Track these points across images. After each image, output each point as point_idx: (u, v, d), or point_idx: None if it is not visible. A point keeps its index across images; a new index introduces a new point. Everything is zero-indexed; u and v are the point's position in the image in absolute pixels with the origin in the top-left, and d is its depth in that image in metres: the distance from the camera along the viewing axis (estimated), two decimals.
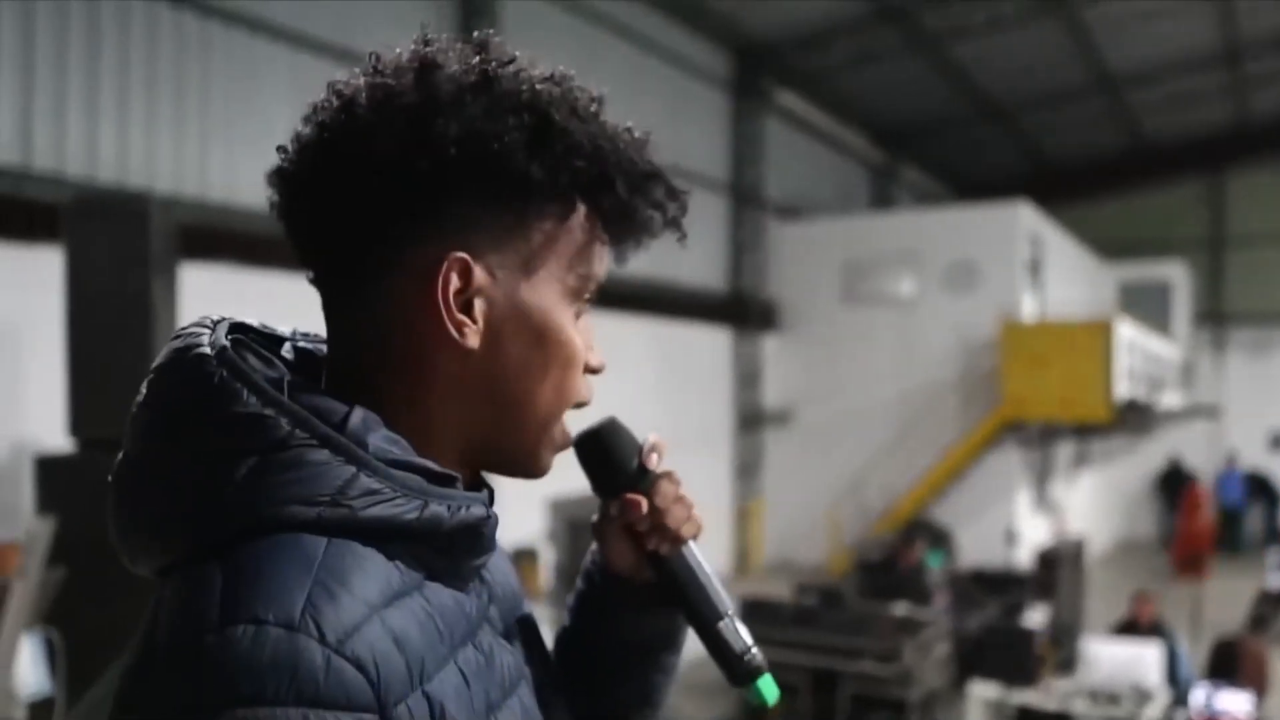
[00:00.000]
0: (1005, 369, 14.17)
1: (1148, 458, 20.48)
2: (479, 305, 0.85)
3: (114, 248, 4.72)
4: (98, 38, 7.66)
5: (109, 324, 4.73)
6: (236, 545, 0.75)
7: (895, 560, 10.63)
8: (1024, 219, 15.09)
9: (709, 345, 15.26)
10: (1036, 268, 15.65)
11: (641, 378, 13.58)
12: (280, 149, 0.88)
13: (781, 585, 12.42)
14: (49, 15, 7.37)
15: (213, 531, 0.77)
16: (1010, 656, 8.21)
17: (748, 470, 15.94)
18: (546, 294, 0.89)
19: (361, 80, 0.88)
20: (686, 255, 14.41)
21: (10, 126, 7.19)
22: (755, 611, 8.96)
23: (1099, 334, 14.00)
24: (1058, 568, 11.09)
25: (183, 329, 0.86)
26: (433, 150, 0.81)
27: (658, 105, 13.75)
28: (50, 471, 4.90)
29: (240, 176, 8.58)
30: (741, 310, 15.68)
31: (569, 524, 5.87)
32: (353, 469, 0.79)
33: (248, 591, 0.72)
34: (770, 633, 8.57)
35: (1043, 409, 14.16)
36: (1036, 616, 9.37)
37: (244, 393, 0.79)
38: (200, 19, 8.31)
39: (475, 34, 0.89)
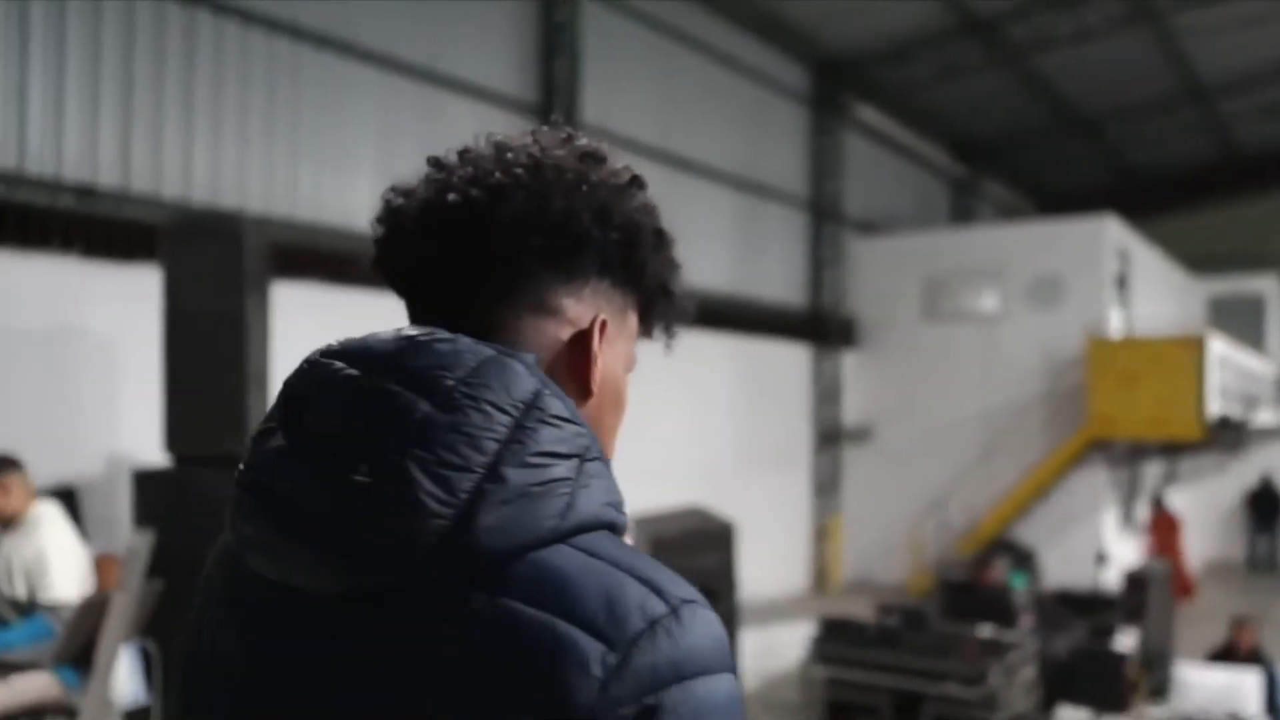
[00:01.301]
0: (1092, 386, 13.88)
1: (1238, 476, 19.90)
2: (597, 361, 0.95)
3: (210, 267, 4.84)
4: (193, 62, 7.87)
5: (204, 342, 4.84)
6: (568, 545, 0.79)
7: (978, 580, 10.44)
8: (1111, 233, 14.79)
9: (788, 362, 15.17)
10: (1123, 282, 15.32)
11: (722, 394, 13.56)
12: (450, 187, 0.93)
13: (860, 604, 12.28)
14: (147, 41, 7.58)
15: (547, 534, 0.78)
16: (1101, 681, 8.02)
17: (827, 487, 15.80)
18: (622, 366, 1.00)
19: (537, 148, 0.96)
20: (767, 272, 14.39)
21: (112, 149, 7.40)
22: (837, 631, 8.86)
23: (1190, 350, 13.65)
24: (1147, 590, 10.82)
25: (427, 333, 0.87)
26: (604, 226, 0.93)
27: (738, 121, 13.77)
28: (147, 486, 5.02)
29: (327, 196, 8.74)
30: (821, 326, 15.57)
31: (654, 541, 5.85)
32: (613, 477, 0.88)
33: (661, 578, 0.81)
34: (852, 653, 8.49)
35: (1131, 427, 13.84)
36: (1126, 640, 9.13)
37: (559, 402, 0.84)
38: (293, 42, 8.50)
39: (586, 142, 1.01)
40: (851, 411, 16.26)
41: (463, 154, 0.97)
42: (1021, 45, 14.76)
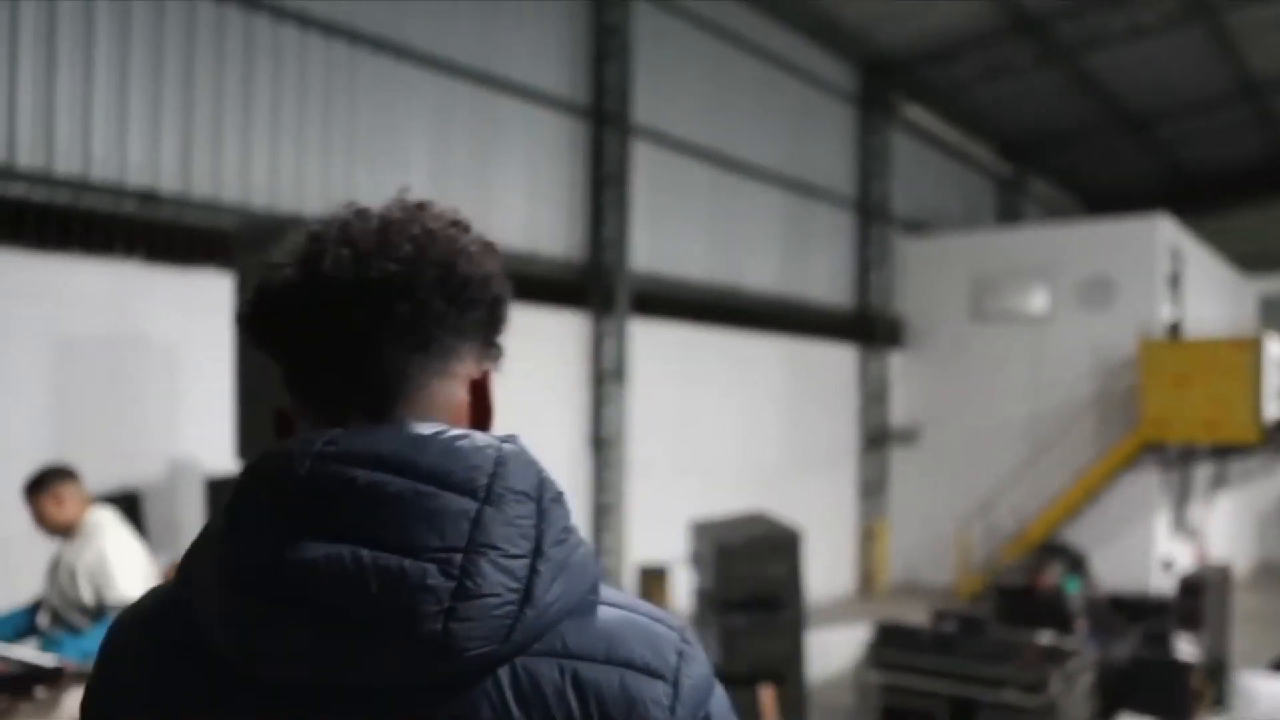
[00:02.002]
0: (1145, 388, 13.69)
1: None
2: None
3: None
4: (252, 66, 7.90)
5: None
6: (595, 608, 0.91)
7: (1033, 585, 10.31)
8: (1164, 232, 14.59)
9: (836, 363, 15.09)
10: (1175, 282, 15.11)
11: (770, 395, 13.51)
12: (363, 260, 0.94)
13: (907, 607, 12.19)
14: (208, 46, 7.63)
15: (582, 598, 0.90)
16: (1165, 691, 7.90)
17: (873, 489, 15.69)
18: None
19: (418, 220, 0.98)
20: (815, 272, 14.31)
21: (173, 154, 7.45)
22: (892, 637, 8.77)
23: (1246, 351, 13.44)
24: (1203, 595, 10.67)
25: (454, 432, 0.92)
26: (487, 288, 1.00)
27: (786, 121, 13.70)
28: (220, 494, 5.01)
29: (385, 198, 8.74)
30: (868, 327, 15.47)
31: (717, 547, 5.80)
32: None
33: (655, 610, 0.95)
34: (908, 659, 8.40)
35: (1185, 430, 13.65)
36: (1188, 648, 9.00)
37: (551, 479, 0.94)
38: (350, 46, 8.53)
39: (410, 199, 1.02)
40: (898, 413, 16.14)
41: (344, 227, 0.97)
42: (1072, 44, 14.57)
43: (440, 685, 0.83)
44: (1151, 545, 14.15)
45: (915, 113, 16.38)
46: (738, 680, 5.53)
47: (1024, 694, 8.01)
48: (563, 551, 0.87)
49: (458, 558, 0.82)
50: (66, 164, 6.86)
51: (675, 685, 0.88)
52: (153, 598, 1.00)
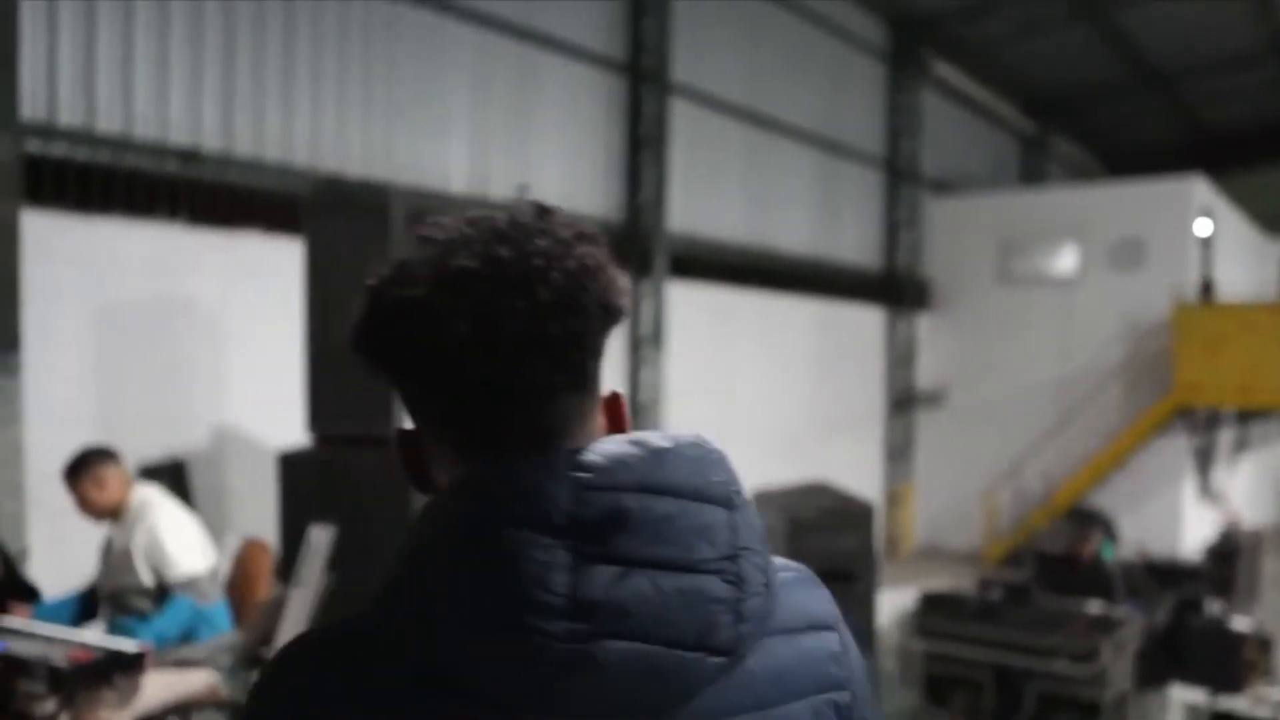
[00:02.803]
0: (1178, 353, 13.53)
1: None
2: None
3: (356, 239, 4.65)
4: (294, 21, 7.67)
5: (350, 319, 4.65)
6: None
7: (1074, 552, 10.20)
8: (1199, 193, 14.37)
9: (863, 325, 14.94)
10: (1208, 244, 14.90)
11: (801, 357, 13.38)
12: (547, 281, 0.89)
13: (932, 571, 12.12)
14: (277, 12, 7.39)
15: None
16: (1218, 660, 7.81)
17: (899, 453, 15.59)
18: None
19: (596, 251, 0.95)
20: (844, 233, 14.12)
21: (215, 112, 7.25)
22: (936, 605, 8.69)
23: None
24: (1235, 560, 10.59)
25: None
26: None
27: (818, 78, 13.48)
28: (291, 468, 4.87)
29: (426, 159, 8.56)
30: (896, 289, 15.29)
31: (789, 519, 5.66)
32: None
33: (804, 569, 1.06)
34: (953, 627, 8.32)
35: (1218, 395, 13.53)
36: (1241, 618, 8.92)
37: None
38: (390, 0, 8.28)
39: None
40: (924, 376, 16.00)
41: (500, 262, 0.89)
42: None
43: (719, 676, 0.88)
44: (1180, 510, 14.06)
45: (942, 69, 16.11)
46: None
47: (1074, 664, 7.94)
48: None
49: (730, 565, 0.87)
50: (107, 122, 6.65)
51: (838, 630, 1.01)
52: (344, 636, 0.90)
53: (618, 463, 0.87)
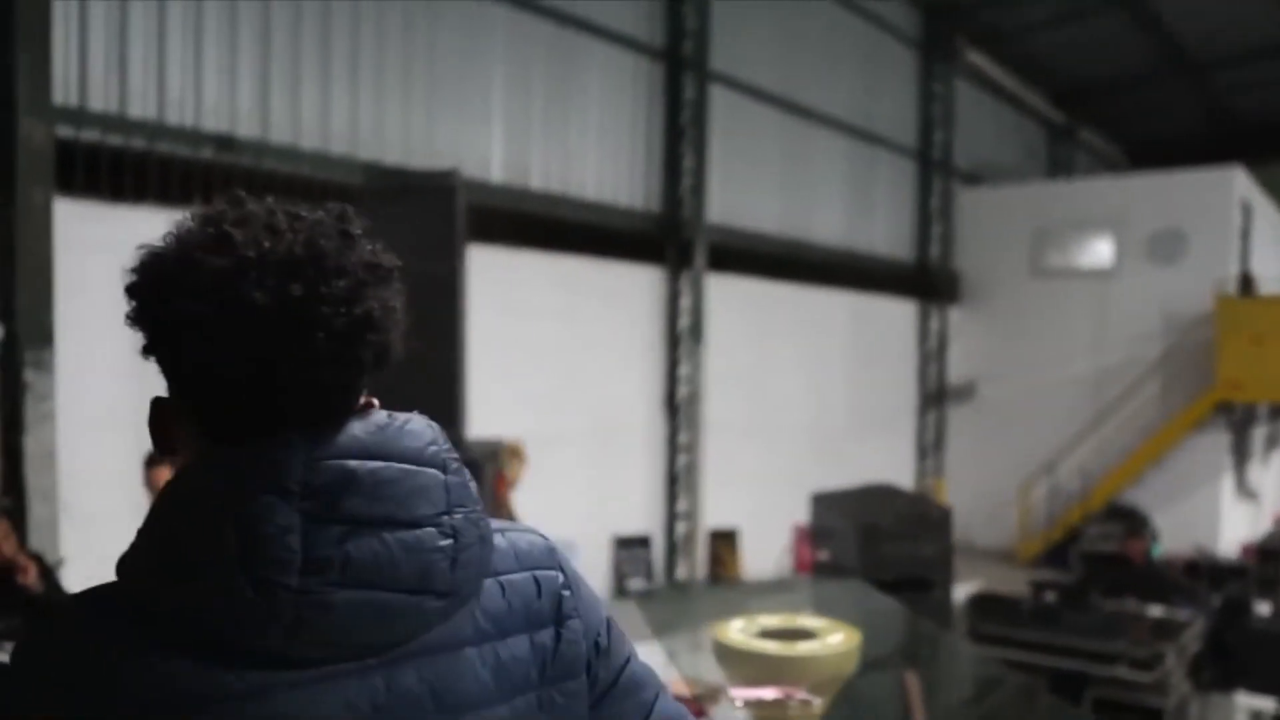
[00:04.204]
0: (1221, 347, 13.22)
1: None
2: None
3: (417, 228, 4.35)
4: (330, 5, 7.38)
5: (416, 309, 4.37)
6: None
7: (1129, 553, 9.91)
8: (1239, 185, 14.05)
9: (895, 318, 14.64)
10: (1246, 236, 14.59)
11: (833, 352, 13.10)
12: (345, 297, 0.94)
13: (965, 570, 11.80)
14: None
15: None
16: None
17: (930, 448, 15.29)
18: None
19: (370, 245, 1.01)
20: (876, 224, 13.85)
21: (250, 98, 6.99)
22: (987, 607, 8.41)
23: None
24: None
25: None
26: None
27: (852, 67, 13.21)
28: None
29: (463, 146, 8.29)
30: (928, 281, 14.98)
31: (861, 525, 5.35)
32: None
33: (538, 531, 1.20)
34: (1005, 631, 8.04)
35: (1261, 389, 13.23)
36: None
37: None
38: None
39: None
40: (955, 370, 15.70)
41: (267, 252, 0.93)
42: None
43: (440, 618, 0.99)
44: (1219, 507, 13.76)
45: (976, 58, 15.78)
46: (880, 663, 5.11)
47: (1136, 670, 7.66)
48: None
49: (446, 520, 0.98)
50: (141, 107, 6.37)
51: (562, 570, 1.11)
52: (106, 602, 0.95)
53: (347, 436, 0.96)
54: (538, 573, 1.08)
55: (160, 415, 1.01)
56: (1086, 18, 14.75)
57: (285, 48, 7.12)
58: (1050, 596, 9.02)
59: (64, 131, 5.95)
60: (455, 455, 1.01)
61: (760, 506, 11.28)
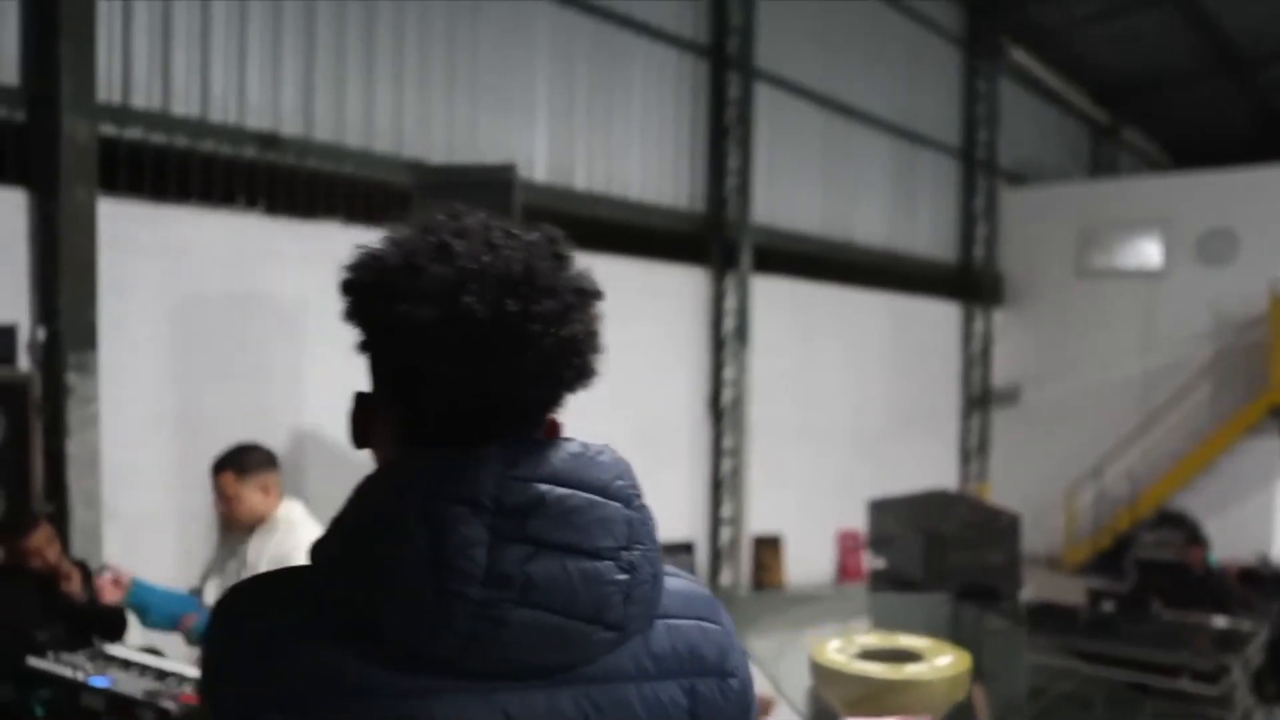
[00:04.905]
0: (1275, 349, 12.91)
1: None
2: None
3: None
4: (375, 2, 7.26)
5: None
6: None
7: (1188, 561, 9.65)
8: None
9: (939, 320, 14.39)
10: None
11: (876, 354, 12.89)
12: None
13: None
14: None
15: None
16: None
17: (974, 452, 15.04)
18: None
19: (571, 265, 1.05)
20: (919, 225, 13.65)
21: (294, 96, 6.88)
22: (1045, 616, 8.21)
23: None
24: None
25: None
26: None
27: (894, 65, 13.03)
28: None
29: (512, 144, 8.16)
30: (972, 283, 14.73)
31: (925, 534, 5.16)
32: None
33: (698, 581, 1.19)
34: (1062, 641, 7.82)
35: None
36: None
37: None
38: None
39: None
40: (1000, 373, 15.43)
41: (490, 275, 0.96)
42: None
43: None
44: (1272, 514, 13.43)
45: (1019, 56, 15.53)
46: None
47: (1198, 682, 7.43)
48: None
49: (625, 554, 0.98)
50: (184, 105, 6.26)
51: (723, 624, 1.10)
52: (290, 585, 1.00)
53: (541, 459, 0.97)
54: (704, 623, 1.08)
55: (362, 409, 1.05)
56: (1131, 13, 14.46)
57: (329, 45, 7.01)
58: (1108, 605, 8.80)
59: (107, 129, 5.85)
60: (639, 491, 1.03)
61: (803, 512, 11.10)
